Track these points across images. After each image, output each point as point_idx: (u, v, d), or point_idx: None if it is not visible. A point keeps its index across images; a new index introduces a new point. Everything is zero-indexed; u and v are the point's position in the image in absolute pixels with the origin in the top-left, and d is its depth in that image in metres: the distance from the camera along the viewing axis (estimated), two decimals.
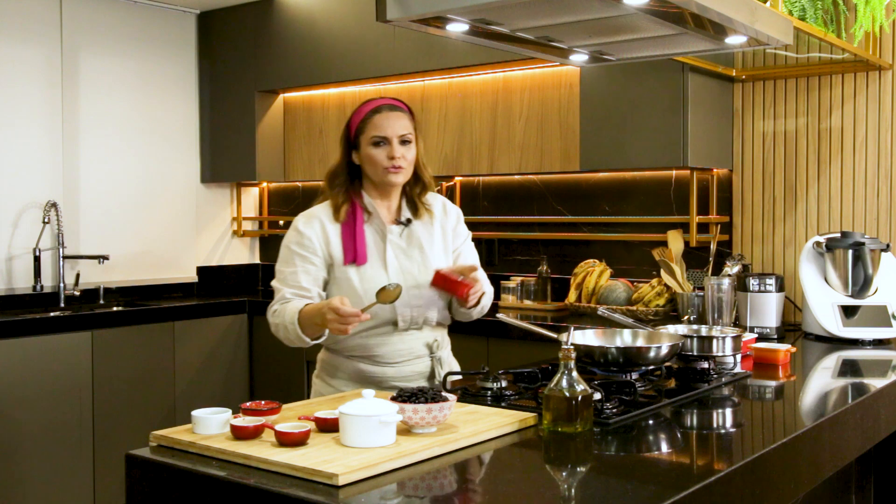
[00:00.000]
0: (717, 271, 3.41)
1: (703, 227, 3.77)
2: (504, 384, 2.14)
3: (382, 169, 2.35)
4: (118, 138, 4.69)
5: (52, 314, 4.11)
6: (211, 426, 1.76)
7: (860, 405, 2.25)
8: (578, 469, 1.69)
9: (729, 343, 2.43)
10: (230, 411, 1.81)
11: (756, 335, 2.95)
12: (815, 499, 2.70)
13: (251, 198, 5.34)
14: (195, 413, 1.78)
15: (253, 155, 4.88)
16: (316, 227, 2.38)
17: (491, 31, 2.37)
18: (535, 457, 1.78)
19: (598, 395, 1.97)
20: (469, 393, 2.12)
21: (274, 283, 2.40)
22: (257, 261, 5.36)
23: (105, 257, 4.46)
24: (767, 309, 3.23)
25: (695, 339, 2.42)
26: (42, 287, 4.33)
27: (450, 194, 4.47)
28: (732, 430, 2.06)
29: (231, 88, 4.96)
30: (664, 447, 1.86)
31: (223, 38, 4.99)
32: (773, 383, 2.52)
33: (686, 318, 3.38)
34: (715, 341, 2.42)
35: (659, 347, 2.19)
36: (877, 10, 3.07)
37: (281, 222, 5.20)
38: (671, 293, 3.64)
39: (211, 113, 5.04)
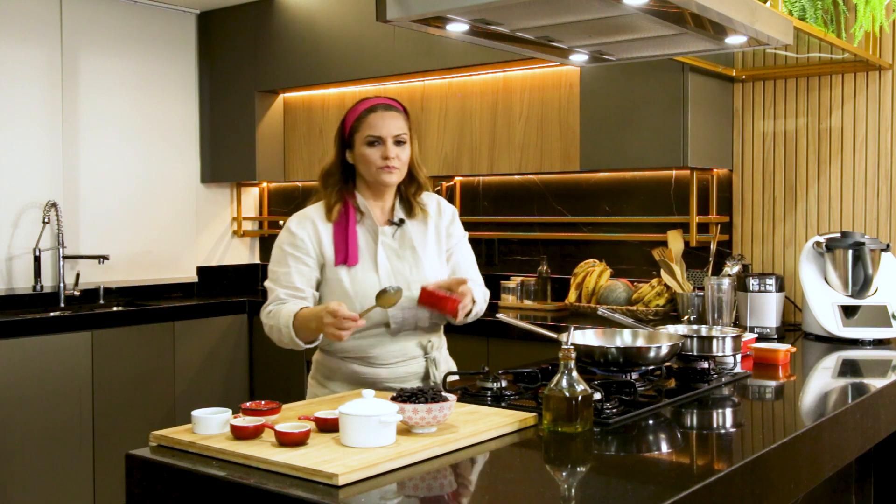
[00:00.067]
0: (717, 271, 3.41)
1: (703, 227, 3.77)
2: (504, 384, 2.14)
3: (376, 169, 2.34)
4: (118, 138, 4.69)
5: (52, 314, 4.11)
6: (211, 426, 1.76)
7: (860, 405, 2.25)
8: (578, 469, 1.69)
9: (729, 343, 2.43)
10: (230, 411, 1.81)
11: (756, 335, 2.94)
12: (815, 499, 2.70)
13: (251, 198, 5.34)
14: (195, 413, 1.78)
15: (253, 155, 4.89)
16: (308, 228, 2.37)
17: (491, 31, 2.37)
18: (535, 457, 1.78)
19: (598, 395, 1.97)
20: (469, 393, 2.12)
21: (267, 283, 2.40)
22: (257, 261, 5.36)
23: (105, 257, 4.46)
24: (767, 309, 3.23)
25: (695, 339, 2.42)
26: (42, 287, 4.33)
27: (450, 194, 4.48)
28: (732, 430, 2.06)
29: (231, 88, 4.96)
30: (664, 447, 1.86)
31: (223, 38, 4.99)
32: (773, 383, 2.52)
33: (686, 318, 3.39)
34: (715, 341, 2.42)
35: (659, 347, 2.19)
36: (877, 10, 3.07)
37: (281, 222, 5.17)
38: (671, 293, 3.64)
39: (211, 113, 5.04)
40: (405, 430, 1.74)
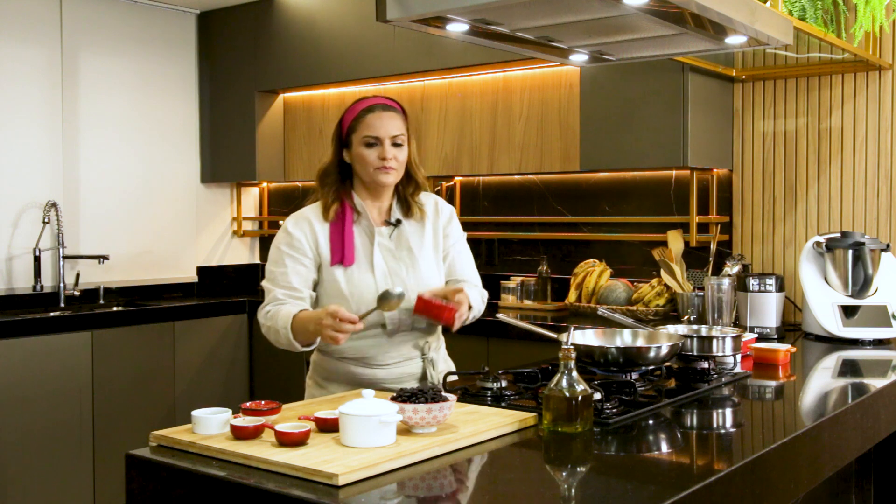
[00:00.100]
0: (717, 271, 3.41)
1: (703, 227, 3.77)
2: (504, 384, 2.14)
3: (373, 169, 2.34)
4: (118, 138, 4.69)
5: (52, 314, 4.11)
6: (211, 426, 1.76)
7: (860, 405, 2.25)
8: (578, 469, 1.69)
9: (729, 343, 2.43)
10: (230, 411, 1.81)
11: (756, 335, 2.94)
12: (815, 499, 2.70)
13: (251, 198, 5.34)
14: (195, 413, 1.78)
15: (253, 155, 4.89)
16: (305, 228, 2.37)
17: (491, 31, 2.37)
18: (535, 457, 1.78)
19: (598, 395, 1.97)
20: (469, 393, 2.12)
21: (264, 283, 2.40)
22: (257, 261, 5.36)
23: (105, 257, 4.46)
24: (767, 309, 3.23)
25: (695, 339, 2.42)
26: (42, 287, 4.33)
27: (450, 194, 4.48)
28: (732, 430, 2.06)
29: (231, 88, 4.96)
30: (664, 447, 1.86)
31: (223, 38, 4.99)
32: (773, 383, 2.52)
33: (686, 318, 3.38)
34: (715, 341, 2.42)
35: (659, 347, 2.19)
36: (877, 10, 3.07)
37: (281, 222, 5.18)
38: (671, 293, 3.64)
39: (211, 113, 5.04)
40: (405, 430, 1.74)
